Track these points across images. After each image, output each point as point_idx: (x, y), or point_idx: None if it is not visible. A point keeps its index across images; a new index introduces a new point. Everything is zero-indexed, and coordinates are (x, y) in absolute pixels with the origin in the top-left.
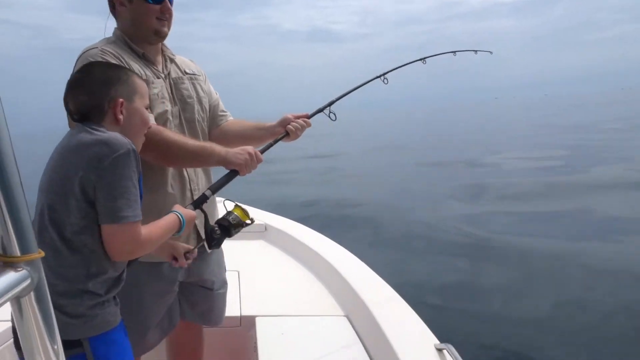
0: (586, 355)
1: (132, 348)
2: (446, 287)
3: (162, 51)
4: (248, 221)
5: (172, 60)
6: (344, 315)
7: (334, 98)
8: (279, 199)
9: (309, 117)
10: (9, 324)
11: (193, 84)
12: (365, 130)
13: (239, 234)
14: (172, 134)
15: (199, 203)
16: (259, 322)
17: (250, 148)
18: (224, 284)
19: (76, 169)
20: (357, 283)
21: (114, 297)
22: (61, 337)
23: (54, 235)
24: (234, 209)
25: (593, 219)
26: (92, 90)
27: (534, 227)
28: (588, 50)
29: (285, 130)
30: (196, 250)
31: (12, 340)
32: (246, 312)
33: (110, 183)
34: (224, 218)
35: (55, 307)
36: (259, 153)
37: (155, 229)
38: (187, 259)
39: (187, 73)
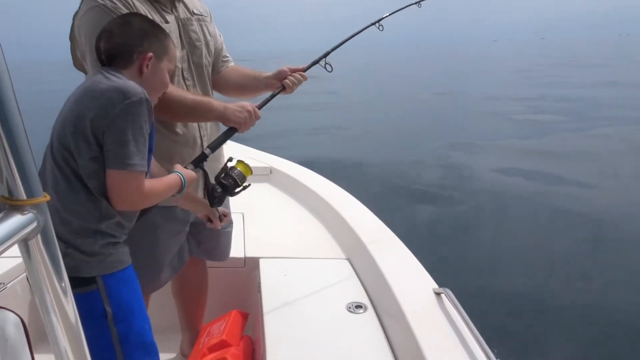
0: (588, 298)
1: (145, 286)
2: (446, 233)
3: None
4: (247, 183)
5: (180, 0)
6: (346, 259)
7: (329, 49)
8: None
9: (305, 70)
10: (20, 260)
11: (201, 26)
12: (361, 75)
13: None
14: (172, 88)
15: (199, 162)
16: (262, 264)
17: (249, 105)
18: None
19: (88, 112)
20: (359, 227)
21: (128, 239)
22: (76, 274)
23: (67, 173)
24: (236, 164)
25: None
26: (128, 35)
27: (537, 175)
28: None
29: (281, 84)
30: (230, 214)
31: (24, 274)
32: (250, 253)
33: (121, 129)
34: (226, 174)
35: (71, 246)
36: (257, 110)
37: (158, 184)
38: (221, 221)
39: (195, 14)
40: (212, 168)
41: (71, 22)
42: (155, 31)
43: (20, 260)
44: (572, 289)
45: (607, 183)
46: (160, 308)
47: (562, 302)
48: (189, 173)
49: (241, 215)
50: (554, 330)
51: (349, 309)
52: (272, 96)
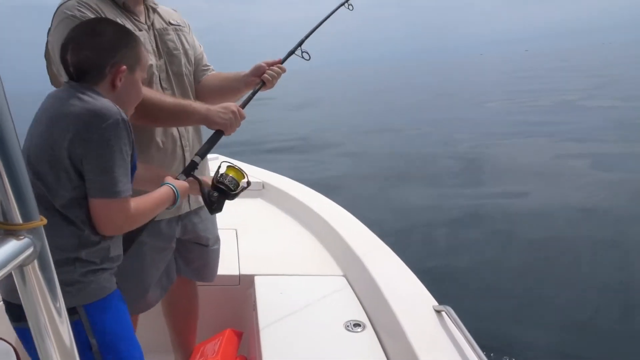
0: (600, 316)
1: (132, 306)
2: (446, 249)
3: (144, 0)
4: (244, 181)
5: (155, 10)
6: (342, 275)
7: (302, 37)
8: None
9: (282, 62)
10: None
11: (178, 35)
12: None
13: None
14: (149, 92)
15: (190, 170)
16: (257, 281)
17: (232, 105)
18: (217, 240)
19: (63, 140)
20: (355, 243)
21: (111, 264)
22: None
23: (43, 202)
24: (227, 170)
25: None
26: (98, 48)
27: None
28: (570, 4)
29: (260, 80)
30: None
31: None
32: (245, 271)
33: (100, 155)
34: (220, 182)
35: None
36: (242, 110)
37: (145, 202)
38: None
39: (171, 24)
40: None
41: (46, 39)
42: (126, 39)
43: None
44: (581, 306)
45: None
46: (151, 327)
47: (571, 320)
48: (181, 183)
49: (234, 231)
50: (563, 350)
51: (347, 327)
52: (254, 93)
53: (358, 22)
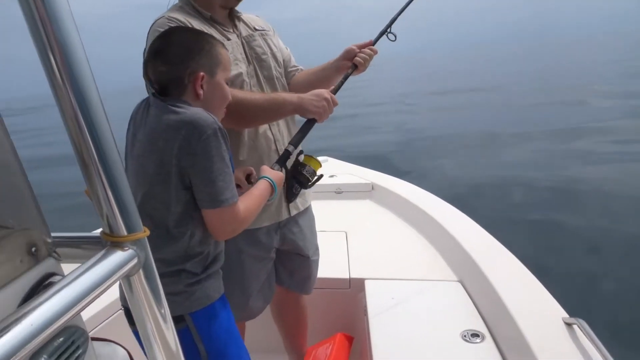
0: None
1: (237, 314)
2: (579, 255)
3: (230, 11)
4: (319, 172)
5: (240, 19)
6: (458, 281)
7: (392, 16)
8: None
9: (373, 43)
10: (117, 295)
11: (265, 40)
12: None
13: (345, 194)
14: (240, 93)
15: (284, 160)
16: (368, 285)
17: (325, 93)
18: (316, 249)
19: (170, 156)
20: (471, 246)
21: (215, 273)
22: None
23: (159, 221)
24: (304, 159)
25: None
26: (172, 61)
27: None
28: None
29: (352, 64)
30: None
31: (121, 310)
32: (355, 274)
33: (205, 168)
34: (299, 172)
35: None
36: (334, 97)
37: (250, 201)
38: (249, 182)
39: (256, 29)
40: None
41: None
42: (199, 44)
43: (116, 295)
44: None
45: None
46: (267, 329)
47: None
48: (277, 174)
49: (344, 234)
50: None
51: (464, 337)
52: (345, 77)
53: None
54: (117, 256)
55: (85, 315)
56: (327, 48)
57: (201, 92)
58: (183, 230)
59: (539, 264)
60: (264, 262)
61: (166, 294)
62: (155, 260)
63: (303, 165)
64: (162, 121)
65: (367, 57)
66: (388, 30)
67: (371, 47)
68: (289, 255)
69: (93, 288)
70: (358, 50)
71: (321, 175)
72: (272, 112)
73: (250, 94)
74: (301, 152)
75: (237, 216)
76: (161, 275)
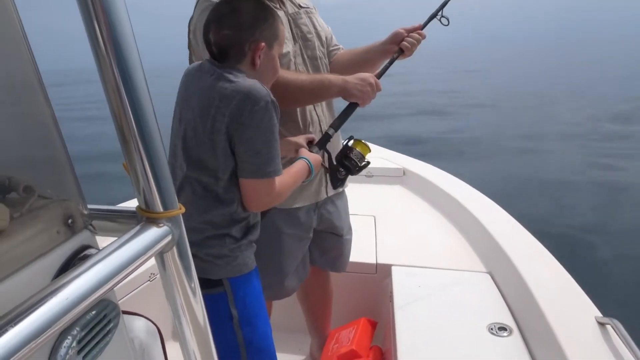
0: None
1: (270, 292)
2: (615, 254)
3: None
4: (367, 159)
5: None
6: (487, 272)
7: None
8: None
9: (422, 28)
10: (145, 266)
11: (310, 18)
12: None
13: (376, 178)
14: (286, 73)
15: (324, 143)
16: (395, 272)
17: (370, 77)
18: (349, 229)
19: (221, 123)
20: (503, 238)
21: (251, 242)
22: (204, 275)
23: (209, 186)
24: (354, 143)
25: None
26: (238, 26)
27: None
28: None
29: (399, 48)
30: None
31: (149, 282)
32: (382, 260)
33: (253, 138)
34: (346, 156)
35: (200, 248)
36: (378, 82)
37: (287, 178)
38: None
39: (302, 7)
40: (331, 149)
41: (187, 30)
42: (265, 15)
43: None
44: None
45: None
46: (291, 309)
47: None
48: (315, 157)
49: (373, 218)
50: None
51: (490, 330)
52: (391, 62)
53: None
54: (152, 232)
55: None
56: (359, 36)
57: (258, 62)
58: (232, 196)
59: (574, 262)
60: (302, 242)
61: (210, 257)
62: (204, 222)
63: (351, 148)
64: (216, 89)
65: (414, 41)
66: (440, 14)
67: (419, 31)
68: (322, 235)
69: (128, 264)
70: (406, 34)
71: (368, 162)
72: (316, 93)
73: (297, 74)
74: (351, 137)
75: (273, 190)
76: (208, 238)
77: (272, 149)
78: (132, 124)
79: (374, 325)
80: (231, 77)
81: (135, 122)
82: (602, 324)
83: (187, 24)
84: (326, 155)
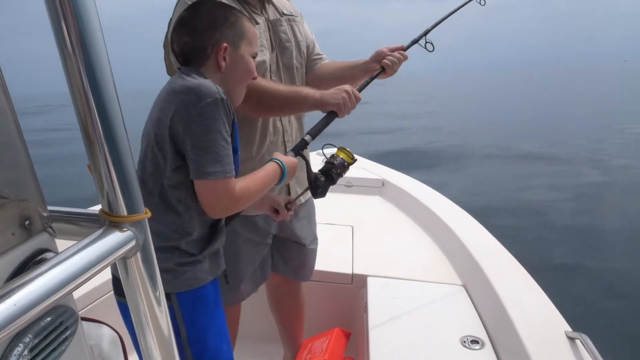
0: None
1: (225, 296)
2: (586, 269)
3: None
4: (351, 161)
5: (269, 1)
6: (461, 285)
7: (429, 26)
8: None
9: (405, 49)
10: (109, 276)
11: (291, 26)
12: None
13: (355, 188)
14: (263, 81)
15: (300, 149)
16: (370, 282)
17: (347, 86)
18: (314, 239)
19: (165, 118)
20: (478, 251)
21: (211, 255)
22: None
23: (152, 188)
24: (337, 151)
25: None
26: (196, 30)
27: None
28: None
29: (380, 66)
30: (297, 200)
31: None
32: (358, 270)
33: (198, 135)
34: (327, 162)
35: None
36: (356, 91)
37: (252, 181)
38: (288, 210)
39: (284, 14)
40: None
41: (166, 29)
42: (225, 15)
43: (109, 276)
44: None
45: None
46: (264, 319)
47: None
48: (290, 159)
49: (350, 228)
50: None
51: (463, 342)
52: (372, 78)
53: (487, 21)
54: (115, 237)
55: (77, 293)
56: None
57: (223, 63)
58: (177, 199)
59: (546, 276)
60: (259, 247)
61: None
62: (151, 231)
63: (334, 156)
64: (169, 85)
65: (395, 60)
66: (423, 38)
67: (401, 51)
68: (285, 243)
69: (86, 269)
70: (388, 53)
71: (351, 163)
72: (292, 104)
73: (274, 83)
74: (329, 144)
75: (231, 193)
76: (156, 250)
77: (218, 147)
78: (97, 124)
79: (347, 335)
80: (186, 77)
81: (101, 122)
82: (571, 339)
83: (167, 24)
84: (304, 162)
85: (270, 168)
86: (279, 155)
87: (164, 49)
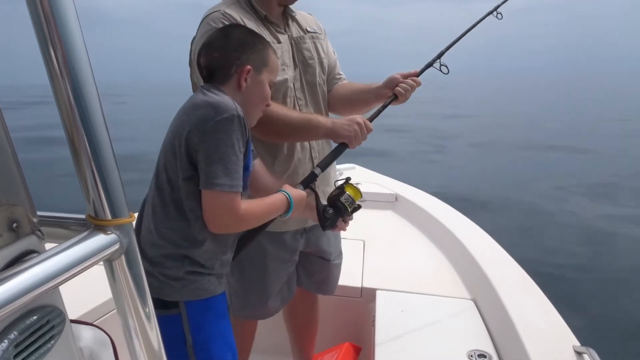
0: None
1: (253, 312)
2: (595, 284)
3: (284, 10)
4: (359, 203)
5: (294, 19)
6: (471, 299)
7: (443, 48)
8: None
9: (418, 74)
10: None
11: (314, 44)
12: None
13: (368, 203)
14: (275, 107)
15: (308, 182)
16: (379, 296)
17: (358, 117)
18: (339, 254)
19: (183, 129)
20: (489, 266)
21: (220, 268)
22: (160, 296)
23: (166, 195)
24: (346, 187)
25: None
26: (225, 49)
27: None
28: None
29: (393, 93)
30: (352, 214)
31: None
32: (368, 284)
33: (210, 147)
34: (337, 198)
35: (157, 267)
36: (368, 122)
37: (257, 205)
38: (345, 222)
39: (308, 31)
40: (323, 191)
41: (189, 47)
42: (254, 42)
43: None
44: None
45: None
46: (275, 331)
47: None
48: (298, 192)
49: (362, 242)
50: None
51: (470, 357)
52: (384, 107)
53: (504, 30)
54: (99, 239)
55: (91, 304)
56: (361, 63)
57: (244, 84)
58: (189, 208)
59: (556, 291)
60: (287, 265)
61: (166, 277)
62: (163, 237)
63: (342, 192)
64: (190, 101)
65: (408, 87)
66: (438, 61)
67: (414, 78)
68: (310, 258)
69: (68, 268)
70: (401, 80)
71: (359, 206)
72: (303, 132)
73: (287, 110)
74: (348, 179)
75: (234, 210)
76: (166, 257)
77: (229, 161)
78: (81, 131)
79: (357, 350)
80: (208, 92)
81: (85, 129)
82: (579, 353)
83: (190, 43)
84: (313, 194)
85: (277, 198)
86: (287, 188)
87: (190, 67)
